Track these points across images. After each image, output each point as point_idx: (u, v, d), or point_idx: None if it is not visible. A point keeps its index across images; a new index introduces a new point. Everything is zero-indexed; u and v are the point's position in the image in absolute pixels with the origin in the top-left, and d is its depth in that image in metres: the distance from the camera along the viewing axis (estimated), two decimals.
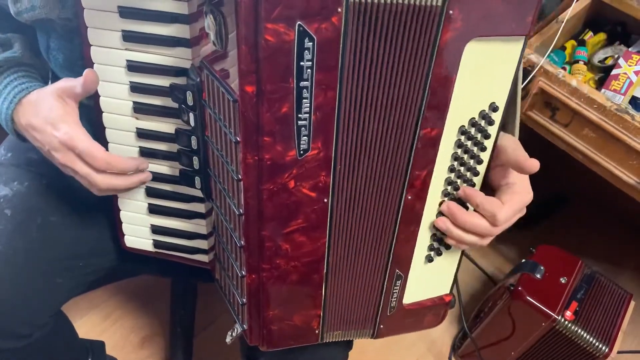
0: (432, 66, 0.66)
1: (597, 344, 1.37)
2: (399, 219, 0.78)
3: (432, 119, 0.70)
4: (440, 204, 0.79)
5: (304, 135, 0.65)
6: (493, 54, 0.68)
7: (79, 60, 0.80)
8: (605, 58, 1.44)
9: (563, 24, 1.35)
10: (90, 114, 0.83)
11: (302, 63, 0.61)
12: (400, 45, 0.65)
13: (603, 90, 1.35)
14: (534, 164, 0.74)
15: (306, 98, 0.63)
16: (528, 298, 1.36)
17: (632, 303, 1.48)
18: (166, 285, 1.62)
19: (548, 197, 1.99)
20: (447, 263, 0.86)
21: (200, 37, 0.74)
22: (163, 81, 0.77)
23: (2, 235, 0.89)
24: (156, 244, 0.93)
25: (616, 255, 1.93)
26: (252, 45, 0.59)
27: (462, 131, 0.74)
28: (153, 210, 0.89)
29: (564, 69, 1.41)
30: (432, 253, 0.84)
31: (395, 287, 0.84)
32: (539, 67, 1.25)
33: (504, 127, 0.80)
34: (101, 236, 0.98)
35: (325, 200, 0.71)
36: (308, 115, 0.64)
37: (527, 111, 1.33)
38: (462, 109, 0.72)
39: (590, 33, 1.48)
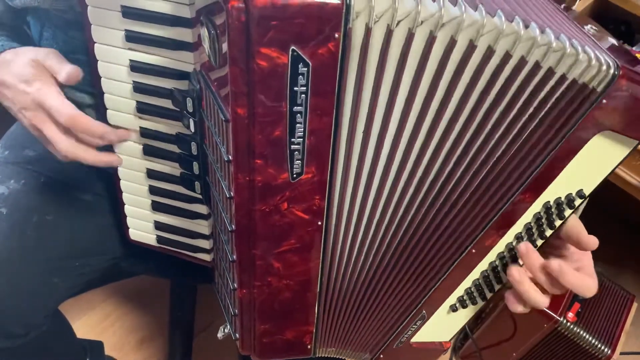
0: (561, 142, 0.63)
1: (599, 345, 1.31)
2: (451, 267, 0.74)
3: (532, 189, 0.67)
4: (491, 264, 0.74)
5: (297, 159, 0.59)
6: (605, 148, 0.63)
7: (71, 53, 0.75)
8: None
9: None
10: (93, 112, 0.78)
11: (295, 88, 0.54)
12: (533, 111, 0.61)
13: None
14: (593, 241, 0.68)
15: (300, 123, 0.57)
16: None
17: (635, 304, 1.41)
18: (165, 286, 1.57)
19: None
20: (463, 315, 0.81)
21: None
22: (165, 83, 0.72)
23: None
24: (159, 239, 0.89)
25: (619, 256, 1.85)
26: (243, 68, 0.53)
27: (546, 207, 0.68)
28: (156, 207, 0.85)
29: None
30: (458, 304, 0.79)
31: (413, 325, 0.80)
32: None
33: None
34: (98, 236, 0.94)
35: (320, 222, 0.66)
36: (302, 139, 0.58)
37: None
38: (556, 187, 0.67)
39: None
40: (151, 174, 0.81)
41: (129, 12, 0.68)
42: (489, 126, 0.63)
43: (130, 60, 0.72)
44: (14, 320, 0.87)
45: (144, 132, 0.77)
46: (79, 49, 0.78)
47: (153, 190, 0.83)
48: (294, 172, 0.60)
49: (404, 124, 0.61)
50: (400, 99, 0.59)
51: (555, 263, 0.67)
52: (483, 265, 0.74)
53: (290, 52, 0.52)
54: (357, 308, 0.78)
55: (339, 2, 0.51)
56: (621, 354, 1.34)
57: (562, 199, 0.68)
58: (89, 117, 0.73)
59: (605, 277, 1.42)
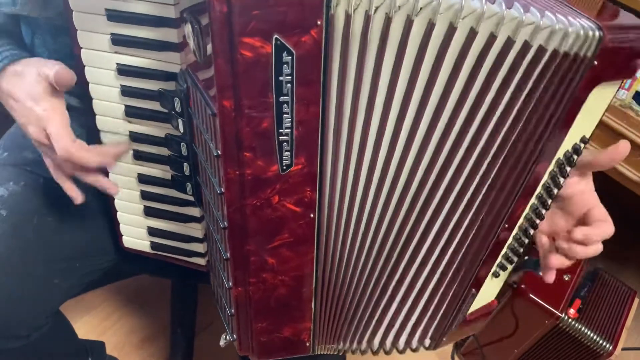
0: (561, 110, 0.65)
1: (601, 341, 1.32)
2: (488, 249, 0.76)
3: (546, 156, 0.70)
4: (520, 226, 0.77)
5: (286, 151, 0.60)
6: (600, 94, 0.66)
7: (61, 59, 0.75)
8: None
9: None
10: (82, 116, 0.79)
11: (281, 78, 0.55)
12: (530, 87, 0.63)
13: None
14: (626, 145, 0.71)
15: (287, 113, 0.57)
16: (531, 296, 1.31)
17: (636, 300, 1.43)
18: (166, 285, 1.58)
19: None
20: (503, 275, 0.84)
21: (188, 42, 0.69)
22: (153, 85, 0.73)
23: None
24: (153, 245, 0.89)
25: (620, 252, 1.85)
26: (228, 60, 0.54)
27: (559, 163, 0.72)
28: (149, 213, 0.85)
29: None
30: (498, 269, 0.82)
31: (467, 306, 0.83)
32: None
33: None
34: (98, 236, 0.95)
35: (312, 215, 0.66)
36: (290, 130, 0.59)
37: None
38: (565, 144, 0.70)
39: None
40: (142, 178, 0.82)
41: (113, 15, 0.69)
42: (485, 107, 0.64)
43: (117, 63, 0.72)
44: (16, 322, 0.87)
45: (134, 136, 0.78)
46: (69, 55, 0.78)
47: (145, 195, 0.84)
48: (284, 164, 0.61)
49: (388, 109, 0.62)
50: (382, 85, 0.60)
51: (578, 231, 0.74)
52: (515, 230, 0.77)
53: (273, 41, 0.53)
54: (360, 301, 0.79)
55: None
56: (623, 349, 1.34)
57: (570, 150, 0.71)
58: (84, 150, 0.74)
59: (606, 272, 1.43)
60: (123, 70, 0.73)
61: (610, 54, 0.62)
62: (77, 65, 0.74)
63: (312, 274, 0.71)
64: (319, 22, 0.53)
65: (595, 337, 1.31)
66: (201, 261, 0.88)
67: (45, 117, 0.72)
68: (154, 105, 0.74)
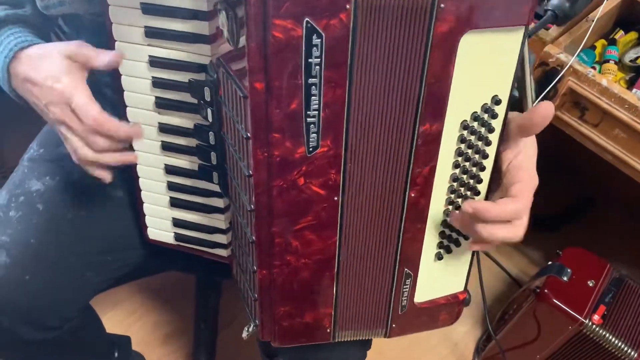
0: (426, 61, 0.64)
1: (625, 348, 1.32)
2: (403, 217, 0.75)
3: (430, 115, 0.68)
4: (447, 200, 0.76)
5: (313, 132, 0.64)
6: (491, 46, 0.66)
7: None
8: (637, 57, 1.39)
9: (593, 23, 1.30)
10: (115, 109, 0.84)
11: (310, 60, 0.60)
12: (397, 41, 0.63)
13: (634, 90, 1.30)
14: (546, 108, 0.66)
15: (315, 95, 0.62)
16: (554, 301, 1.32)
17: None
18: (190, 282, 1.64)
19: (575, 199, 1.92)
20: (459, 261, 0.84)
21: (219, 33, 0.74)
22: (183, 77, 0.78)
23: (34, 230, 0.91)
24: (177, 236, 0.93)
25: None
26: (260, 42, 0.59)
27: (465, 126, 0.71)
28: (174, 203, 0.90)
29: (594, 68, 1.37)
30: (441, 251, 0.81)
31: (405, 286, 0.82)
32: (568, 66, 1.21)
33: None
34: (129, 231, 0.99)
35: (336, 198, 0.70)
36: (317, 112, 0.63)
37: (556, 111, 1.29)
38: (462, 103, 0.69)
39: (621, 32, 1.43)
40: (169, 169, 0.87)
41: (148, 8, 0.74)
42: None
43: (150, 56, 0.77)
44: (49, 313, 0.93)
45: (163, 127, 0.83)
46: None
47: (171, 186, 0.88)
48: (310, 146, 0.65)
49: (403, 90, 0.67)
50: (400, 66, 0.65)
51: (468, 206, 0.69)
52: (439, 204, 0.76)
53: (304, 24, 0.58)
54: (372, 285, 0.81)
55: None
56: None
57: (479, 112, 0.70)
58: (114, 120, 0.76)
59: (632, 279, 1.43)
60: (155, 62, 0.78)
61: None
62: None
63: (335, 258, 0.75)
64: (347, 6, 0.58)
65: (619, 344, 1.32)
66: (223, 252, 0.92)
67: (67, 91, 0.74)
68: (183, 97, 0.79)
